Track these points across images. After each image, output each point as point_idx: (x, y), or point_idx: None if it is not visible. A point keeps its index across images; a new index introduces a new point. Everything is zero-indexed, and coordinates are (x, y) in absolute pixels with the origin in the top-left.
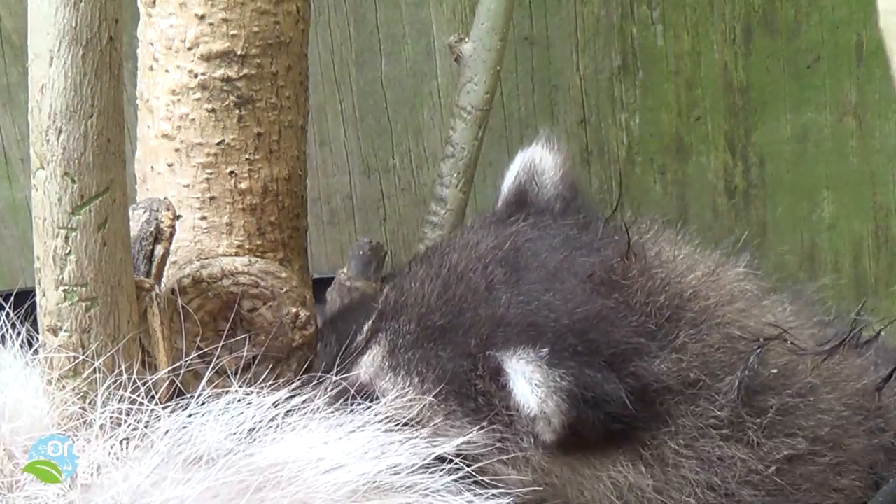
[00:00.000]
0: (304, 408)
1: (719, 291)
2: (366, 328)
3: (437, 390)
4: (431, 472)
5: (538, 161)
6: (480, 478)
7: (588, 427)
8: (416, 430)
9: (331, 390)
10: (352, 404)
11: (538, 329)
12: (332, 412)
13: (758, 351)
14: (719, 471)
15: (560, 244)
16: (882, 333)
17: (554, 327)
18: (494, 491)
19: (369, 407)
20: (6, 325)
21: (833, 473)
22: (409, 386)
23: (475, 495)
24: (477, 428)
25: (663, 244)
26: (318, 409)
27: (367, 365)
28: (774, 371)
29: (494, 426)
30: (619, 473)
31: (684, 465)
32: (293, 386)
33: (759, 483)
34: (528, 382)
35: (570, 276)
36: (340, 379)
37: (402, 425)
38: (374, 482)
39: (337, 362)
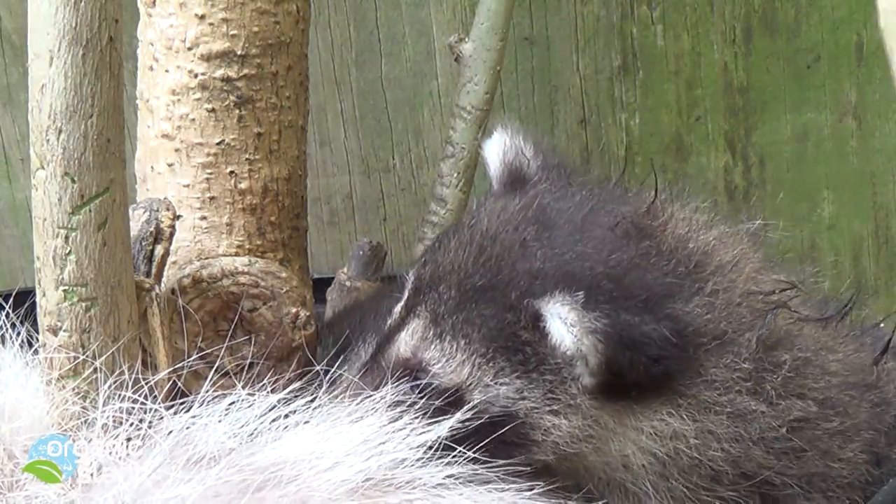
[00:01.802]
0: (304, 407)
1: (735, 249)
2: (397, 309)
3: (485, 349)
4: (431, 467)
5: (512, 141)
6: (532, 434)
7: (628, 369)
8: (467, 392)
9: (359, 375)
10: (390, 383)
11: (573, 277)
12: (332, 407)
13: (775, 309)
14: (742, 425)
15: (581, 200)
16: (882, 325)
17: (589, 274)
18: (493, 486)
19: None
20: (6, 325)
21: (838, 441)
22: (456, 350)
23: (474, 489)
24: (526, 381)
25: (677, 205)
26: (319, 405)
27: (407, 340)
28: (786, 328)
29: (544, 376)
30: (661, 422)
31: (717, 417)
32: (294, 386)
33: (771, 442)
34: (563, 322)
35: (597, 227)
36: (377, 358)
37: (450, 391)
38: (374, 479)
39: (358, 356)
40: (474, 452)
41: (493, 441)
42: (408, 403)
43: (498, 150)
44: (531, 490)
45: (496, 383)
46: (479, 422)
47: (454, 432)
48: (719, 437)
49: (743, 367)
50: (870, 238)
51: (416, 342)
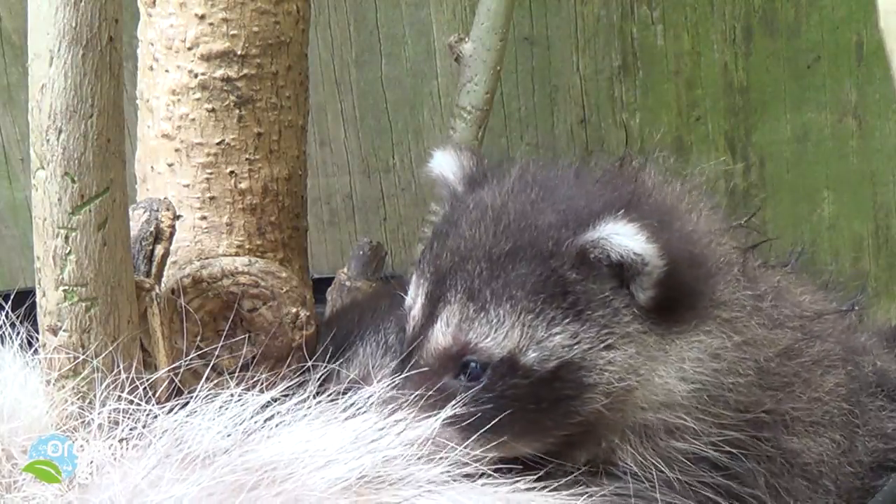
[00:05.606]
0: (298, 405)
1: (689, 198)
2: (415, 312)
3: (532, 304)
4: (423, 463)
5: (459, 153)
6: (586, 378)
7: (683, 282)
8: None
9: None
10: (435, 378)
11: (600, 210)
12: (325, 404)
13: (752, 248)
14: (749, 350)
15: (563, 166)
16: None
17: (612, 206)
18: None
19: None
20: (6, 325)
21: (819, 371)
22: (503, 315)
23: (467, 485)
24: (579, 322)
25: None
26: (312, 403)
27: (443, 330)
28: (754, 268)
29: (596, 312)
30: (700, 342)
31: (737, 336)
32: (288, 384)
33: (765, 374)
34: (624, 235)
35: (587, 181)
36: (403, 369)
37: (504, 361)
38: (367, 476)
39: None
40: (528, 415)
41: (547, 399)
42: (455, 393)
43: (452, 160)
44: (525, 485)
45: (550, 334)
46: (531, 381)
47: (504, 402)
48: (739, 360)
49: (742, 293)
50: (870, 238)
51: (455, 327)
